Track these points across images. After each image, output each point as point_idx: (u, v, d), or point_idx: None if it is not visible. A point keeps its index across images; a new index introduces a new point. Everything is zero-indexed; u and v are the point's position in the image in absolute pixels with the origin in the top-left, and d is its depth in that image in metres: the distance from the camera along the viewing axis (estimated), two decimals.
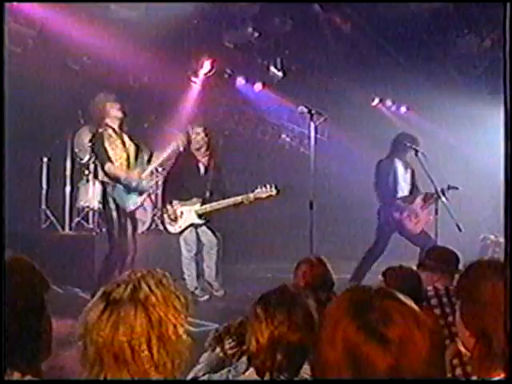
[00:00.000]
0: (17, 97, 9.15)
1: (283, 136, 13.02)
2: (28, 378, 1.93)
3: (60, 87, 9.80)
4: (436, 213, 7.35)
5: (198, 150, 7.48)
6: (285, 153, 12.95)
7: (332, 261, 4.08)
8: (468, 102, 10.62)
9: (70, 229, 9.38)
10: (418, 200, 8.10)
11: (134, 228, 7.26)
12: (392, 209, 8.00)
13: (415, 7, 8.36)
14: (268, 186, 7.15)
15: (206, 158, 7.54)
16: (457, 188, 7.55)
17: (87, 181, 9.43)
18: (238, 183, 12.34)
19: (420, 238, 7.92)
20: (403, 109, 12.96)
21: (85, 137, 9.62)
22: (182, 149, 7.55)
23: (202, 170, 7.55)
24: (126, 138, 7.08)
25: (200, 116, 11.74)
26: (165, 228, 7.78)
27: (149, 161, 7.19)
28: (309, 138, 6.59)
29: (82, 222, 9.41)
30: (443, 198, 7.39)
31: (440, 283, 4.05)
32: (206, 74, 10.94)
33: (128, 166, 6.96)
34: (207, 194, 7.44)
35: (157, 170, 9.16)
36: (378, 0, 8.44)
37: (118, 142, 6.96)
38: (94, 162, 9.41)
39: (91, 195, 9.33)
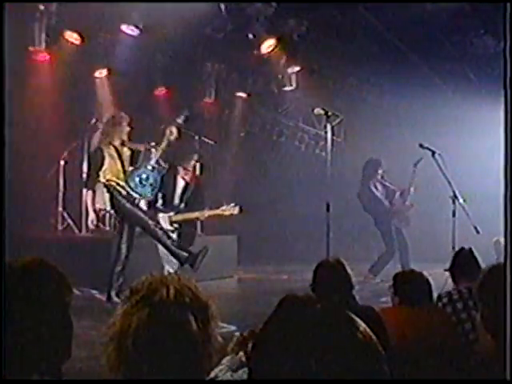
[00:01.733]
0: (35, 101, 9.34)
1: (299, 137, 12.98)
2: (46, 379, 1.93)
3: (78, 92, 9.90)
4: (453, 215, 7.28)
5: (184, 169, 8.35)
6: (301, 154, 12.93)
7: (349, 263, 4.07)
8: (484, 103, 10.53)
9: (87, 231, 9.41)
10: (397, 196, 9.72)
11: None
12: (384, 218, 9.55)
13: (431, 7, 8.30)
14: (232, 205, 8.08)
15: (189, 175, 8.38)
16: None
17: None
18: (254, 184, 12.40)
19: (399, 233, 9.62)
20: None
21: None
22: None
23: (182, 184, 8.37)
24: (126, 154, 7.43)
25: (215, 118, 11.82)
26: None
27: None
28: (325, 139, 6.57)
29: (99, 223, 9.42)
30: (461, 200, 7.32)
31: (467, 285, 4.04)
32: (220, 76, 11.01)
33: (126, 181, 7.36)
34: (182, 206, 8.31)
35: None
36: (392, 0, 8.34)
37: (117, 158, 7.34)
38: None
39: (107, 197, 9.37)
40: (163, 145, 7.36)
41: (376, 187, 9.77)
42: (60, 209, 9.63)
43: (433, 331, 3.58)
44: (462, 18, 8.76)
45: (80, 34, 9.21)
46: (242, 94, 11.82)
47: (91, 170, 7.43)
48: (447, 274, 4.61)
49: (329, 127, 6.54)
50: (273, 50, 10.05)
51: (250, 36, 9.34)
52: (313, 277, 3.77)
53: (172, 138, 7.36)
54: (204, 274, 8.11)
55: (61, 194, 9.64)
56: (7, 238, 2.50)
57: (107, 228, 9.42)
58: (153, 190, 7.45)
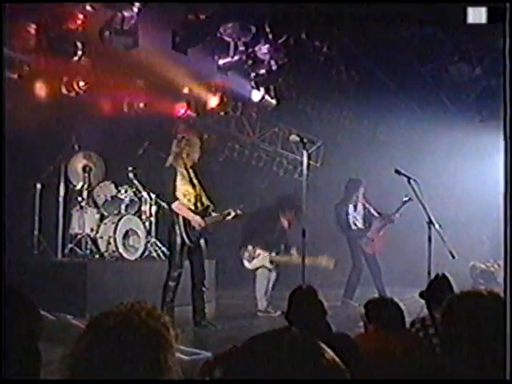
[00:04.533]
0: (11, 122, 9.26)
1: (277, 163, 13.03)
2: None
3: (54, 113, 9.84)
4: (429, 240, 7.31)
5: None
6: (279, 180, 12.97)
7: (324, 288, 4.10)
8: (460, 129, 10.69)
9: (63, 255, 9.31)
10: (377, 224, 9.81)
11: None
12: (354, 237, 9.78)
13: (407, 33, 8.43)
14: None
15: (291, 218, 9.00)
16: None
17: (80, 207, 9.41)
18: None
19: (371, 258, 9.75)
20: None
21: (78, 163, 9.67)
22: None
23: (286, 226, 9.03)
24: (194, 179, 7.51)
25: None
26: (241, 262, 9.10)
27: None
28: (301, 165, 6.61)
29: (75, 248, 9.34)
30: (436, 226, 7.36)
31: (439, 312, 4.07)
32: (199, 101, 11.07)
33: (195, 206, 7.44)
34: (282, 247, 8.92)
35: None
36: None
37: (187, 180, 7.42)
38: (87, 189, 9.49)
39: (84, 221, 9.33)
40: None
41: (355, 207, 9.86)
42: (36, 232, 9.51)
43: (406, 356, 3.60)
44: (436, 45, 8.90)
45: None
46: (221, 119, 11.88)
47: (165, 186, 7.41)
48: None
49: (304, 153, 6.58)
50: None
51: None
52: (287, 305, 3.79)
53: None
54: (182, 298, 8.07)
55: (37, 218, 9.53)
56: None
57: (83, 252, 9.31)
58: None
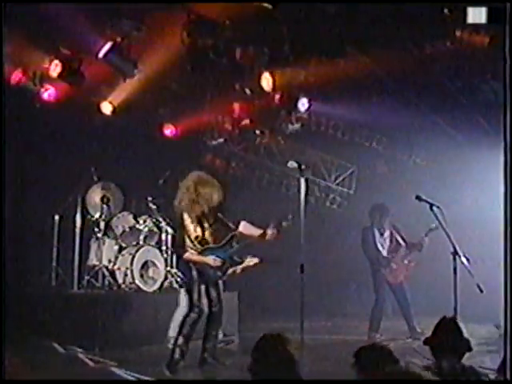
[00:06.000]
0: (30, 153, 9.21)
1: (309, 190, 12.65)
2: None
3: (74, 144, 9.75)
4: (455, 272, 6.69)
5: None
6: (311, 207, 12.52)
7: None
8: (497, 149, 10.06)
9: (80, 287, 9.11)
10: (401, 252, 9.27)
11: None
12: (377, 265, 9.26)
13: (431, 50, 7.93)
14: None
15: None
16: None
17: (97, 238, 9.20)
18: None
19: (398, 289, 9.26)
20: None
21: (96, 194, 9.48)
22: None
23: None
24: (209, 221, 6.90)
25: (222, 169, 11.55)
26: None
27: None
28: (299, 192, 6.16)
29: (92, 280, 9.11)
30: (463, 259, 6.73)
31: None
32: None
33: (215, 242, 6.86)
34: None
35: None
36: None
37: (199, 223, 6.82)
38: (105, 220, 9.27)
39: (102, 253, 9.11)
40: None
41: (382, 234, 9.38)
42: (54, 264, 9.35)
43: None
44: (465, 62, 8.39)
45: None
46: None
47: (178, 237, 7.02)
48: None
49: (302, 181, 6.12)
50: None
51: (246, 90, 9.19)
52: (253, 353, 3.30)
53: None
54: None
55: (55, 250, 9.37)
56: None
57: (100, 284, 9.08)
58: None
